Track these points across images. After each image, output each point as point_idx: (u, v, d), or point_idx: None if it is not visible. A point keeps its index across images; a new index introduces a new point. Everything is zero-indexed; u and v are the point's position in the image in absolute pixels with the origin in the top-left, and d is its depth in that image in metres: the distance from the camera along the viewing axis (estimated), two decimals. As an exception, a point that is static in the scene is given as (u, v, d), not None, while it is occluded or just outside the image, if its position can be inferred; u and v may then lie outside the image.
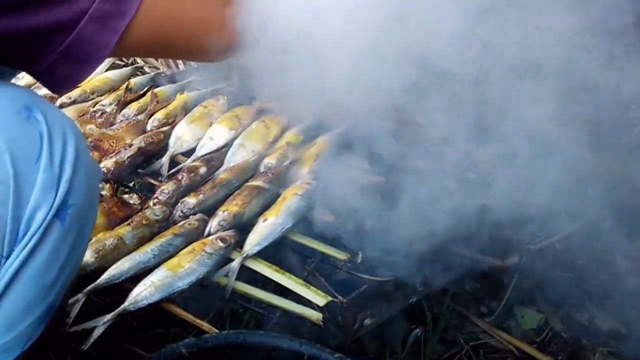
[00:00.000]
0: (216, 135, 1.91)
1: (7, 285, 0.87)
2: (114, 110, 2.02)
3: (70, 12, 0.83)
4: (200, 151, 1.86)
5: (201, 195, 1.63)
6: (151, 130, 1.94)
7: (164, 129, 1.93)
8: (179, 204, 1.62)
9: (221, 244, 1.47)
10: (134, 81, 2.20)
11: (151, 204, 1.62)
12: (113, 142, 1.82)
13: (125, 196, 1.67)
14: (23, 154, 0.86)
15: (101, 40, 0.86)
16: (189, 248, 1.46)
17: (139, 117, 1.99)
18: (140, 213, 1.57)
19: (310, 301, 1.44)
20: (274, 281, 1.48)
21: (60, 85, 0.92)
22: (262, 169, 1.80)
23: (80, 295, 1.35)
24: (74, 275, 1.01)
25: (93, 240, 1.45)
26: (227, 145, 1.89)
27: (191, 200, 1.62)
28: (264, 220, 1.55)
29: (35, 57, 0.85)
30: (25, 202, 0.86)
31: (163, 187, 1.67)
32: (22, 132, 0.87)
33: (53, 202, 0.88)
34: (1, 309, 0.88)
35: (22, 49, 0.84)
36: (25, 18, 0.80)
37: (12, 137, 0.85)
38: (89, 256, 1.41)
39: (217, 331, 1.37)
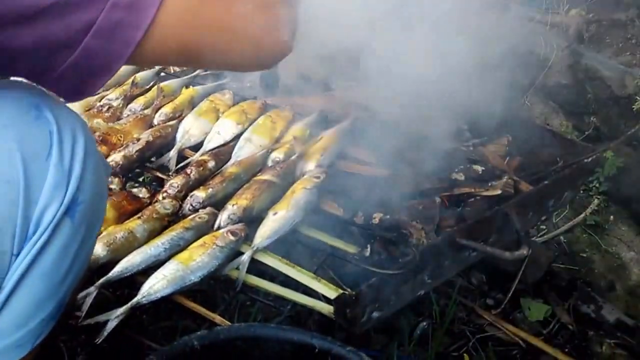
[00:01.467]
0: (223, 130, 1.90)
1: (18, 283, 0.88)
2: (121, 105, 2.01)
3: (72, 28, 0.77)
4: (208, 145, 1.86)
5: (210, 189, 1.64)
6: (158, 124, 1.94)
7: (171, 123, 1.93)
8: (188, 198, 1.62)
9: (232, 237, 1.47)
10: (139, 75, 2.19)
11: (160, 197, 1.62)
12: (121, 136, 1.82)
13: (135, 190, 1.67)
14: (33, 152, 0.86)
15: (111, 53, 0.80)
16: (200, 241, 1.46)
17: (145, 111, 1.99)
18: (150, 207, 1.57)
19: (317, 294, 1.44)
20: (282, 274, 1.49)
21: (70, 97, 0.89)
22: (269, 163, 1.80)
23: (92, 289, 1.35)
24: (83, 272, 1.01)
25: (104, 233, 1.46)
26: (235, 140, 1.89)
27: (201, 194, 1.62)
28: (274, 214, 1.55)
29: (41, 72, 0.82)
30: (35, 201, 0.86)
31: (172, 181, 1.67)
32: (32, 131, 0.87)
33: (63, 200, 0.88)
34: (12, 307, 0.89)
35: (25, 65, 0.80)
36: (22, 34, 0.76)
37: (22, 136, 0.86)
38: (100, 249, 1.41)
39: (229, 323, 1.37)
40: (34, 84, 0.88)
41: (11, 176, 0.84)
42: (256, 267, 1.50)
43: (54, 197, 0.87)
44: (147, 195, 1.65)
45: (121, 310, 1.32)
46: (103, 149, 1.76)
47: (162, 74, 2.29)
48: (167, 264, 1.41)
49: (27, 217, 0.86)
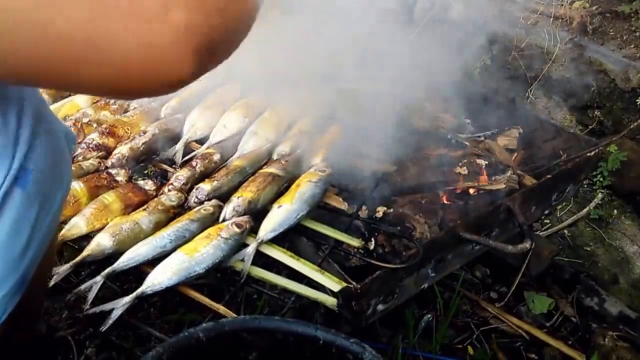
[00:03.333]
0: (229, 123, 1.91)
1: None
2: (127, 98, 2.02)
3: None
4: (214, 139, 1.87)
5: (215, 182, 1.64)
6: (164, 117, 1.95)
7: (177, 116, 1.94)
8: (194, 190, 1.63)
9: (237, 229, 1.48)
10: (145, 69, 2.19)
11: (166, 189, 1.63)
12: (127, 129, 1.83)
13: (141, 182, 1.68)
14: None
15: None
16: (205, 233, 1.47)
17: (152, 104, 1.99)
18: (156, 199, 1.58)
19: (322, 286, 1.45)
20: (287, 266, 1.49)
21: None
22: (274, 156, 1.81)
23: (98, 278, 1.37)
24: (47, 245, 0.92)
25: (110, 224, 1.47)
26: (240, 133, 1.89)
27: (206, 187, 1.63)
28: (279, 207, 1.56)
29: None
30: None
31: (178, 174, 1.68)
32: None
33: (10, 168, 0.79)
34: None
35: None
36: None
37: None
38: (106, 240, 1.43)
39: (234, 315, 1.38)
40: None
41: None
42: (261, 260, 1.51)
43: None
44: (153, 187, 1.66)
45: (127, 299, 1.34)
46: (110, 141, 1.78)
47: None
48: (172, 255, 1.42)
49: None
